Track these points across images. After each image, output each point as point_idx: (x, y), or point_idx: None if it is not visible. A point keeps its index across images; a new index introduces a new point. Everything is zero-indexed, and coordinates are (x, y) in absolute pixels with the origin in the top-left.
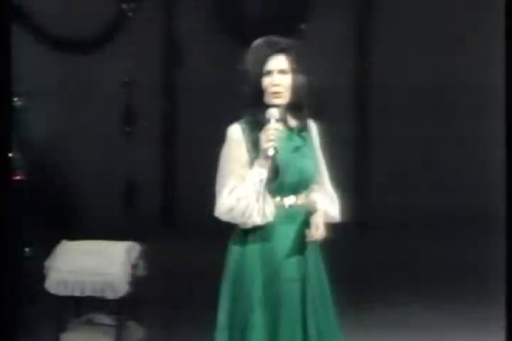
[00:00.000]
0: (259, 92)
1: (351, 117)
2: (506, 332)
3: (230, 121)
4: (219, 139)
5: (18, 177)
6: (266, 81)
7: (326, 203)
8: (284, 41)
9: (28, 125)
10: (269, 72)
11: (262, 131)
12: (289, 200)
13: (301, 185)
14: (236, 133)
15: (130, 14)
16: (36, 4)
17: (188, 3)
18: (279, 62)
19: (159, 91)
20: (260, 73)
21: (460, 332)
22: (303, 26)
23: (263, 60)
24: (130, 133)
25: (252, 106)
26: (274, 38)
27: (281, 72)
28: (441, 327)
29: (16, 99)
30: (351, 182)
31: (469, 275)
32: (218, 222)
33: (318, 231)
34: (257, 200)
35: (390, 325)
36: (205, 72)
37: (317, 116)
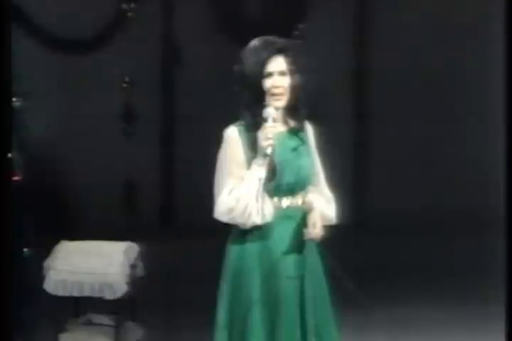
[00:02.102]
0: (259, 94)
1: (350, 117)
2: (506, 332)
3: (230, 121)
4: (218, 139)
5: (17, 178)
6: (267, 83)
7: (322, 204)
8: (281, 41)
9: (27, 125)
10: (270, 74)
11: (260, 130)
12: (287, 201)
13: (298, 185)
14: (233, 134)
15: (130, 14)
16: (36, 4)
17: (188, 3)
18: (278, 64)
19: (159, 91)
20: (261, 75)
21: (460, 332)
22: (302, 26)
23: (264, 62)
24: (129, 133)
25: (251, 108)
26: (271, 39)
27: (281, 73)
28: (441, 327)
29: (15, 99)
30: (350, 182)
31: (469, 276)
32: (217, 222)
33: (315, 229)
34: (257, 200)
35: (389, 325)
36: (204, 72)
37: (316, 117)
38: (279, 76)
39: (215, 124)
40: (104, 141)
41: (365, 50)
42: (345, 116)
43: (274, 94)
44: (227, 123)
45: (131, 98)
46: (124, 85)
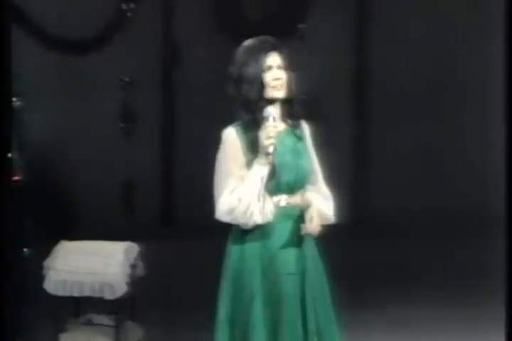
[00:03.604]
0: (261, 88)
1: (350, 117)
2: (506, 332)
3: (230, 121)
4: (218, 139)
5: (17, 178)
6: (267, 76)
7: (320, 201)
8: (273, 39)
9: (27, 125)
10: (270, 68)
11: (262, 129)
12: (285, 199)
13: (297, 184)
14: (231, 134)
15: (129, 14)
16: (36, 4)
17: (188, 3)
18: (275, 59)
19: (159, 91)
20: (261, 69)
21: (460, 332)
22: (302, 26)
23: (263, 57)
24: (129, 133)
25: (250, 105)
26: (263, 37)
27: (279, 67)
28: (441, 327)
29: (15, 99)
30: (349, 181)
31: (469, 276)
32: (217, 221)
33: (312, 223)
34: (258, 199)
35: (389, 325)
36: (204, 72)
37: (316, 116)
38: (277, 69)
39: (214, 124)
40: (103, 140)
41: (365, 50)
42: (345, 116)
43: (274, 87)
44: (226, 123)
45: (131, 98)
46: (124, 85)
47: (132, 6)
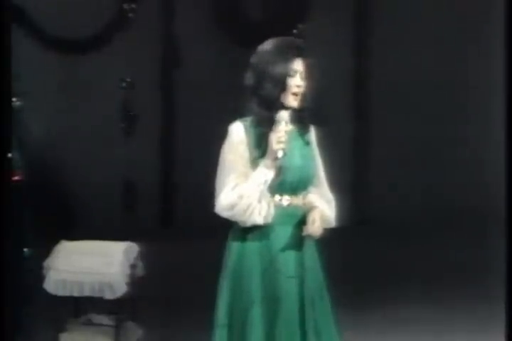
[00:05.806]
0: (281, 90)
1: (350, 117)
2: (506, 332)
3: (229, 121)
4: (218, 139)
5: (17, 178)
6: (291, 81)
7: (322, 205)
8: (301, 44)
9: (27, 125)
10: (295, 73)
11: (272, 133)
12: (288, 199)
13: (300, 185)
14: (238, 130)
15: (130, 15)
16: (36, 4)
17: (188, 3)
18: (301, 65)
19: (159, 91)
20: (288, 73)
21: (460, 332)
22: (302, 26)
23: (291, 60)
24: (129, 133)
25: (269, 102)
26: (293, 39)
27: (302, 74)
28: (441, 327)
29: (15, 99)
30: (350, 181)
31: (469, 275)
32: (217, 222)
33: (313, 225)
34: (259, 200)
35: (389, 325)
36: (204, 72)
37: (316, 116)
38: (300, 76)
39: (214, 124)
40: (103, 141)
41: (365, 49)
42: (345, 116)
43: (294, 94)
44: (227, 124)
45: (131, 98)
46: (124, 85)
47: (133, 6)
